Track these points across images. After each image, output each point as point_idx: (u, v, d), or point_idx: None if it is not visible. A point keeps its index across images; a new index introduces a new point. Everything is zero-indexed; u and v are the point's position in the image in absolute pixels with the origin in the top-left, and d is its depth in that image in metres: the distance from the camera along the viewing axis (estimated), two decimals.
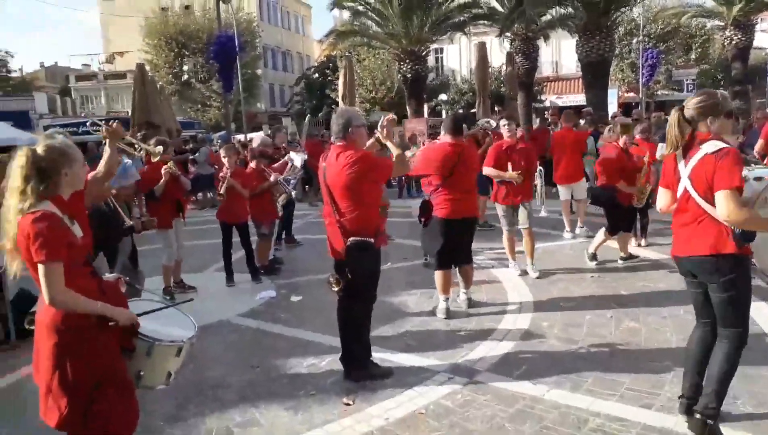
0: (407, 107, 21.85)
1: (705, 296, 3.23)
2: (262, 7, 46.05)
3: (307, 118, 25.87)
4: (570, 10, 18.63)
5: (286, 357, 4.74)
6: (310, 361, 4.59)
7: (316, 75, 40.11)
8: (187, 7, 41.04)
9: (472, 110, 22.52)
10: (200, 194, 14.89)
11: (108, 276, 2.97)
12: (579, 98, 29.36)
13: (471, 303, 5.72)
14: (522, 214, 6.71)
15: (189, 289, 6.81)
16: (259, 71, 41.22)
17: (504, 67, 21.67)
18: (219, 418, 3.79)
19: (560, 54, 36.38)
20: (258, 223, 7.38)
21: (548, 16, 20.79)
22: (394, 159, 4.14)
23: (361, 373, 4.17)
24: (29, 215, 2.47)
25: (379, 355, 4.44)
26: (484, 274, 6.72)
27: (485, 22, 22.31)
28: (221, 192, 6.79)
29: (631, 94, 33.22)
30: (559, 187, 8.97)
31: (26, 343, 5.05)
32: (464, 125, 6.30)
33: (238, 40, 20.59)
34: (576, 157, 8.83)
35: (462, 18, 21.31)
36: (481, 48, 16.28)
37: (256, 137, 11.37)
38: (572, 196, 8.79)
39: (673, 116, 3.16)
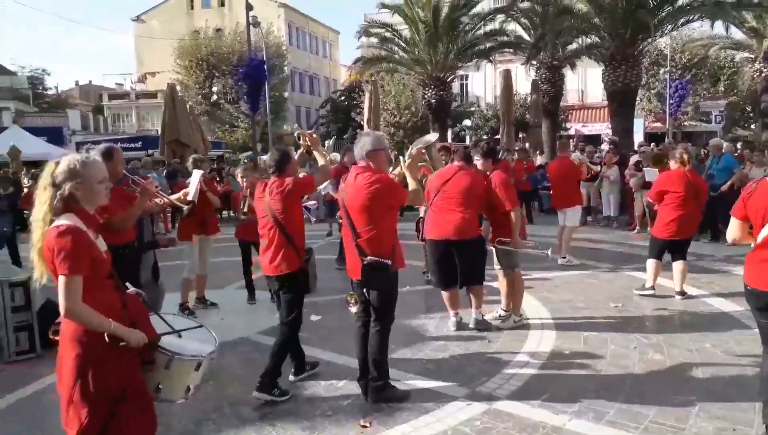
0: (431, 132, 21.99)
1: None
2: (291, 32, 47.02)
3: (332, 140, 26.21)
4: (596, 39, 18.65)
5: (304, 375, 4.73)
6: (328, 382, 4.58)
7: (342, 98, 40.62)
8: (218, 30, 42.05)
9: (497, 136, 22.57)
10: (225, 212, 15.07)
11: (130, 290, 3.01)
12: (605, 127, 29.26)
13: (479, 324, 5.69)
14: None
15: (211, 305, 6.86)
16: (286, 94, 41.90)
17: (529, 94, 21.73)
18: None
19: (586, 82, 36.35)
20: None
21: (575, 45, 20.85)
22: (410, 190, 4.17)
23: (378, 396, 4.15)
24: (54, 229, 2.51)
25: (396, 378, 4.41)
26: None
27: (511, 49, 22.45)
28: (245, 211, 6.86)
29: (658, 124, 32.96)
30: (558, 212, 9.27)
31: (51, 353, 5.12)
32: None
33: (267, 64, 20.99)
34: (569, 184, 9.05)
35: (488, 45, 21.47)
36: (507, 75, 16.38)
37: None
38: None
39: None
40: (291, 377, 4.60)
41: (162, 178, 12.02)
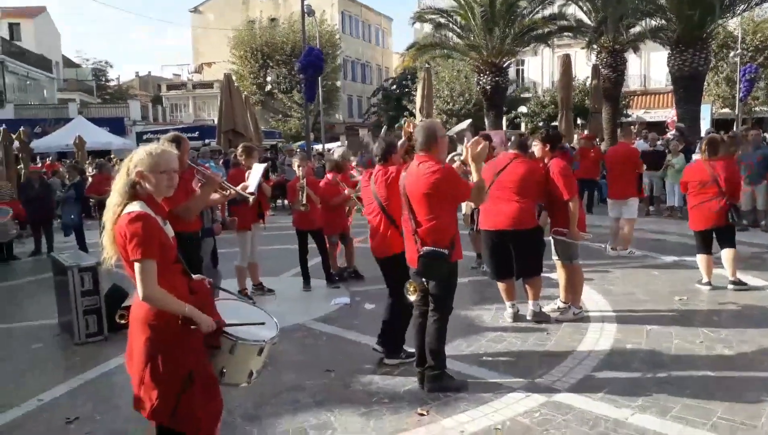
0: (485, 119, 21.65)
1: None
2: (344, 20, 47.14)
3: (383, 130, 26.21)
4: (662, 21, 17.86)
5: (360, 363, 4.76)
6: (384, 369, 4.60)
7: (394, 86, 40.52)
8: (272, 20, 42.59)
9: (554, 123, 22.03)
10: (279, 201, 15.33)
11: (196, 276, 3.08)
12: (668, 113, 28.12)
13: (536, 316, 5.57)
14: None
15: (268, 292, 6.99)
16: (338, 83, 42.13)
17: (589, 79, 21.05)
18: (294, 419, 3.85)
19: (649, 67, 34.97)
20: (328, 234, 7.47)
21: (638, 28, 20.03)
22: (473, 186, 4.05)
23: (435, 385, 4.13)
24: (125, 215, 2.59)
25: (453, 368, 4.38)
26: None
27: (570, 34, 21.79)
28: (304, 202, 6.93)
29: (727, 110, 31.42)
30: (609, 201, 8.84)
31: (118, 336, 5.36)
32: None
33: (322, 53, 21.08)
34: (627, 174, 8.52)
35: (546, 30, 20.90)
36: (566, 60, 15.94)
37: (337, 148, 11.58)
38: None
39: None
40: (386, 360, 4.70)
41: (220, 168, 12.28)
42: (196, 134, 23.75)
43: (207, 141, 21.27)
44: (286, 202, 14.38)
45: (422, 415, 3.82)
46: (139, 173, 2.67)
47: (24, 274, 9.05)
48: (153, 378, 2.63)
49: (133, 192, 2.66)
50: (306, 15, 22.62)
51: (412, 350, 4.45)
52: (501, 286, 5.69)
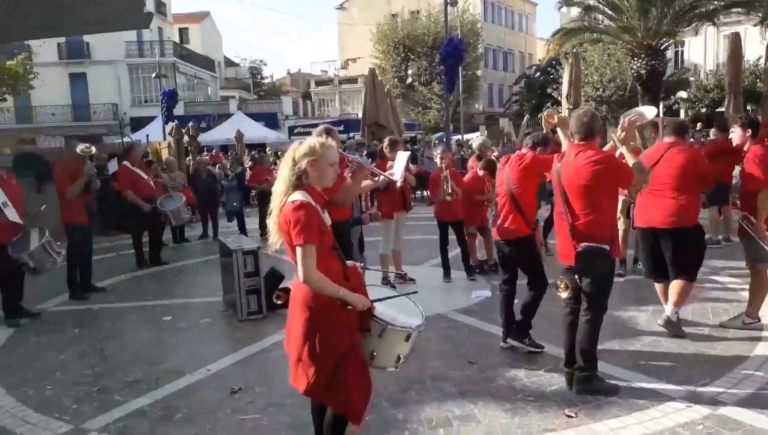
0: (640, 106, 20.19)
1: None
2: (486, 8, 46.36)
3: (525, 119, 25.40)
4: None
5: (503, 358, 4.70)
6: (529, 366, 4.49)
7: (538, 74, 39.16)
8: (414, 13, 43.01)
9: (719, 109, 20.02)
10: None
11: (349, 263, 3.22)
12: None
13: (667, 324, 5.01)
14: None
15: (410, 280, 7.12)
16: (479, 72, 41.61)
17: (762, 60, 18.81)
18: (438, 408, 3.89)
19: None
20: (466, 226, 7.42)
21: None
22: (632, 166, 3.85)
23: (584, 387, 3.96)
24: (290, 203, 2.77)
25: (603, 371, 4.16)
26: (733, 295, 5.95)
27: (740, 9, 19.57)
28: (449, 191, 6.96)
29: None
30: None
31: (274, 315, 5.78)
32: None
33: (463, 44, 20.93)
34: None
35: (712, 7, 18.94)
36: (735, 39, 14.37)
37: (476, 139, 11.47)
38: None
39: None
40: (508, 340, 4.82)
41: (365, 159, 12.71)
42: (341, 127, 24.73)
43: (352, 134, 22.08)
44: (425, 193, 14.57)
45: (570, 417, 3.69)
46: (310, 162, 2.84)
47: (195, 256, 10.05)
48: (310, 356, 2.80)
49: (298, 182, 2.84)
50: (449, 5, 22.54)
51: (541, 344, 4.41)
52: (658, 287, 5.27)
